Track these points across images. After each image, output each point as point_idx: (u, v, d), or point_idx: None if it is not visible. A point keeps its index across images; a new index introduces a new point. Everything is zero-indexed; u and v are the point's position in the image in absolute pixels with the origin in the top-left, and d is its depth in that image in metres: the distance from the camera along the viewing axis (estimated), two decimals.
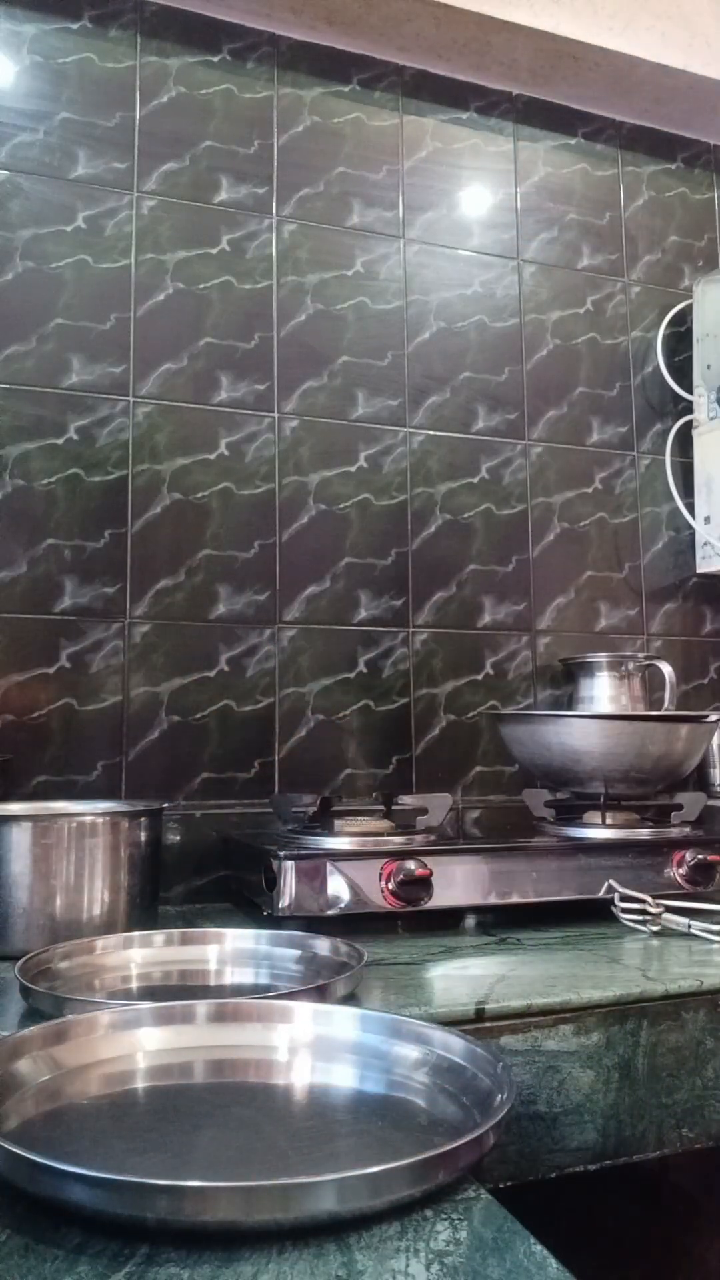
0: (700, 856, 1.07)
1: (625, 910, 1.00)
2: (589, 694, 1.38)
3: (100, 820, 0.95)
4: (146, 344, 1.31)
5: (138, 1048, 0.61)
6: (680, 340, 1.62)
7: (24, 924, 0.90)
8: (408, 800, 1.12)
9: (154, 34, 1.37)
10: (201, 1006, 0.65)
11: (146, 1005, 0.64)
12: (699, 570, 1.57)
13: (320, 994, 0.70)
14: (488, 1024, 0.72)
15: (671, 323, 1.62)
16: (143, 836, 0.99)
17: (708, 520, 1.53)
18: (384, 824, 1.07)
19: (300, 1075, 0.60)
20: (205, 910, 1.17)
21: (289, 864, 0.95)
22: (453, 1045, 0.58)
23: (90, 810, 0.97)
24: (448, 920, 1.03)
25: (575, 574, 1.51)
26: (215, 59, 1.40)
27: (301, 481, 1.36)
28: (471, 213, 1.52)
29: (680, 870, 1.07)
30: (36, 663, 1.21)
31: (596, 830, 1.14)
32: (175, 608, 1.28)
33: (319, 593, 1.35)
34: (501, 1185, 0.68)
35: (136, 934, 0.88)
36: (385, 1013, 0.64)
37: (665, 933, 0.97)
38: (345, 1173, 0.41)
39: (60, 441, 1.25)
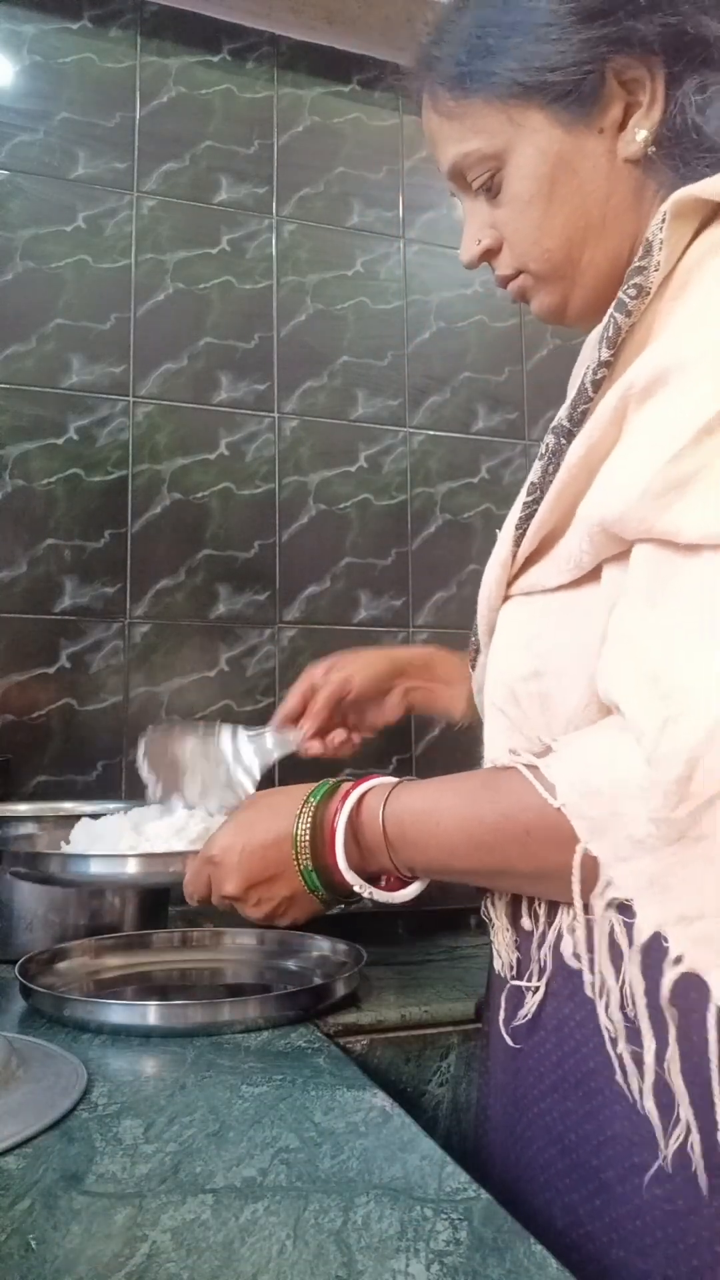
0: None
1: None
2: None
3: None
4: (146, 344, 1.31)
5: None
6: None
7: (30, 926, 0.90)
8: None
9: (154, 34, 1.37)
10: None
11: None
12: None
13: (320, 994, 0.70)
14: None
15: None
16: None
17: None
18: None
19: None
20: (205, 910, 1.16)
21: None
22: None
23: (99, 810, 0.94)
24: (448, 920, 1.02)
25: None
26: (215, 59, 1.40)
27: (301, 481, 1.36)
28: None
29: None
30: (36, 663, 1.21)
31: None
32: (175, 608, 1.28)
33: (319, 593, 1.35)
34: None
35: (136, 934, 0.88)
36: None
37: None
38: None
39: (60, 441, 1.25)
